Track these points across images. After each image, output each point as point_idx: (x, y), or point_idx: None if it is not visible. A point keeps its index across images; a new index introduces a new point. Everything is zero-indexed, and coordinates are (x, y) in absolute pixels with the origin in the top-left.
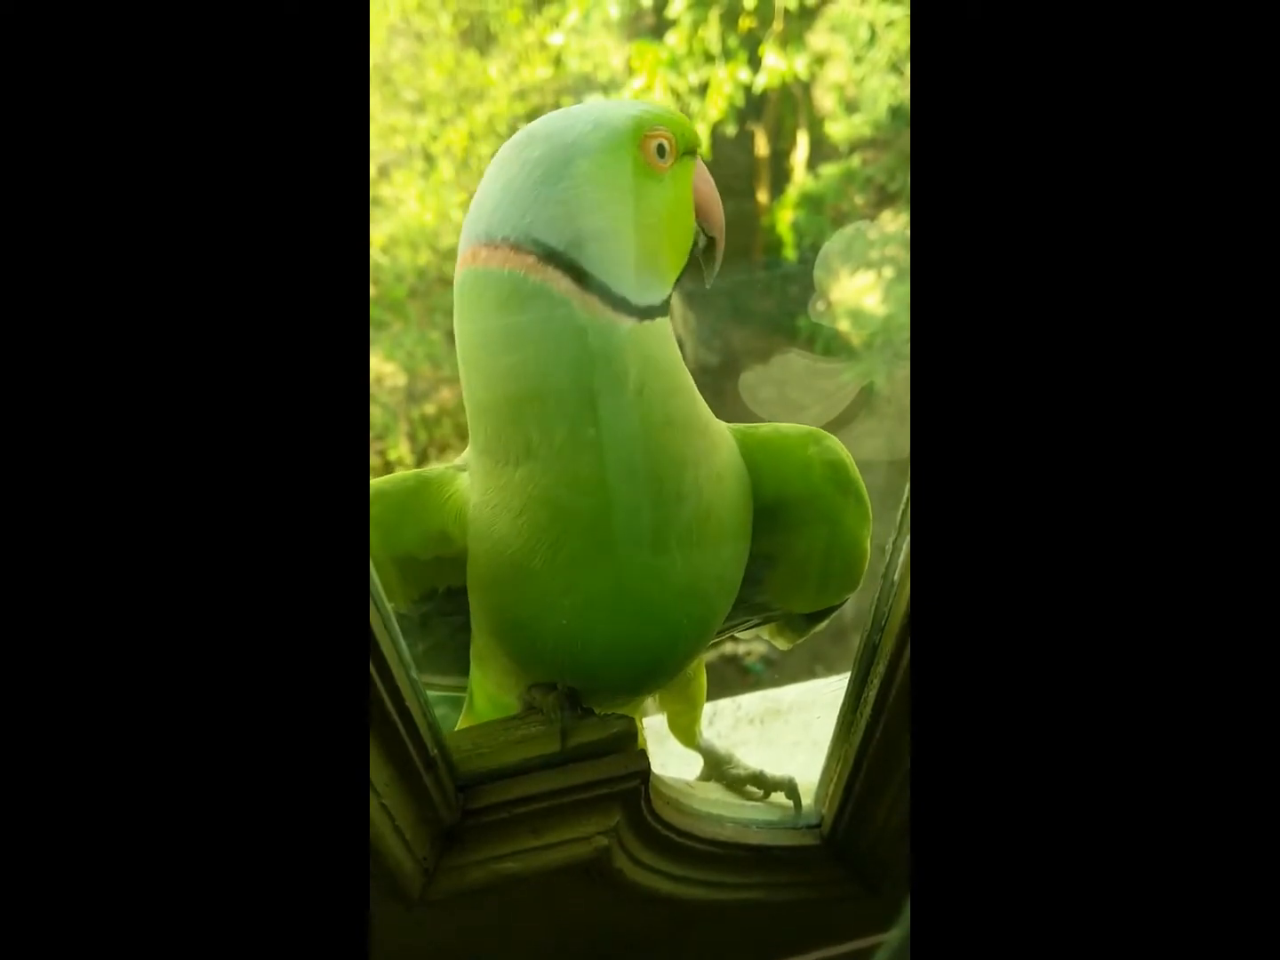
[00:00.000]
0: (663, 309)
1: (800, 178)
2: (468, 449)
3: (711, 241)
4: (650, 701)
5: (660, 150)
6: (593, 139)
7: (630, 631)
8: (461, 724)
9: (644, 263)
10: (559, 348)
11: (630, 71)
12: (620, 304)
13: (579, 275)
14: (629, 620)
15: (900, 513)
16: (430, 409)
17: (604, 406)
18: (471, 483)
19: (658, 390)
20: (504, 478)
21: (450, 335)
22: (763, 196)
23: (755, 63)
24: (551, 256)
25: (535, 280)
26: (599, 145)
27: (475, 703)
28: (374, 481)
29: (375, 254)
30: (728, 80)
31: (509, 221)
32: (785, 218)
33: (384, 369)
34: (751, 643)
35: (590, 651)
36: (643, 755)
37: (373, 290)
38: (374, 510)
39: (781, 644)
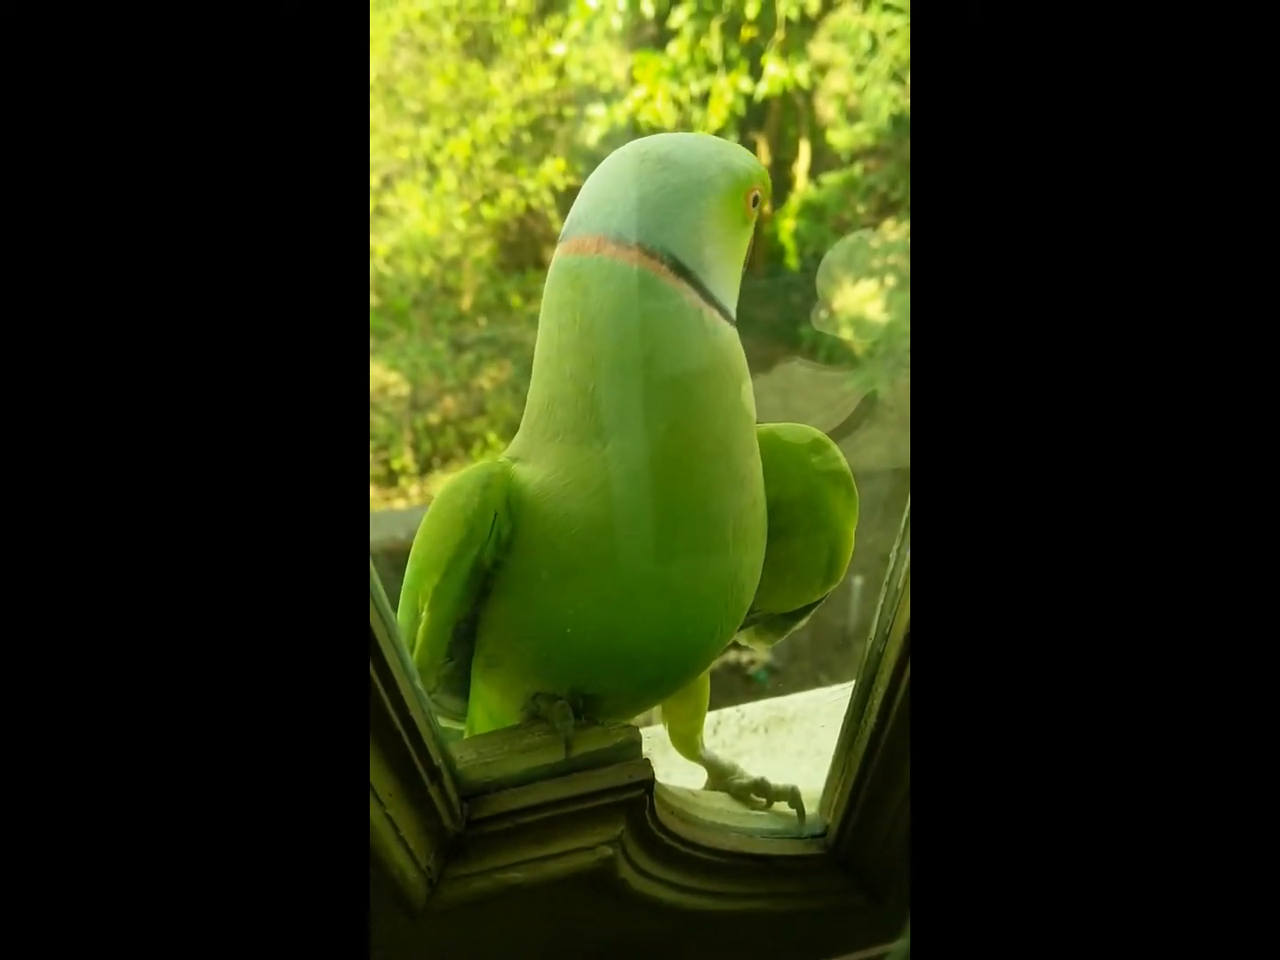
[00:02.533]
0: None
1: (802, 186)
2: (517, 441)
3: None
4: (651, 711)
5: (755, 200)
6: (722, 181)
7: (673, 623)
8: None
9: (732, 285)
10: (689, 343)
11: (633, 81)
12: (725, 314)
13: (703, 290)
14: (676, 609)
15: (904, 520)
16: (434, 418)
17: (714, 395)
18: (533, 469)
19: (748, 384)
20: (585, 455)
21: (453, 344)
22: (765, 205)
23: (757, 72)
24: (680, 269)
25: (666, 284)
26: (725, 188)
27: (474, 718)
28: (471, 470)
29: (379, 264)
30: (729, 89)
31: (644, 229)
32: (787, 226)
33: (388, 378)
34: (755, 651)
35: (629, 644)
36: (647, 764)
37: (376, 300)
38: (482, 497)
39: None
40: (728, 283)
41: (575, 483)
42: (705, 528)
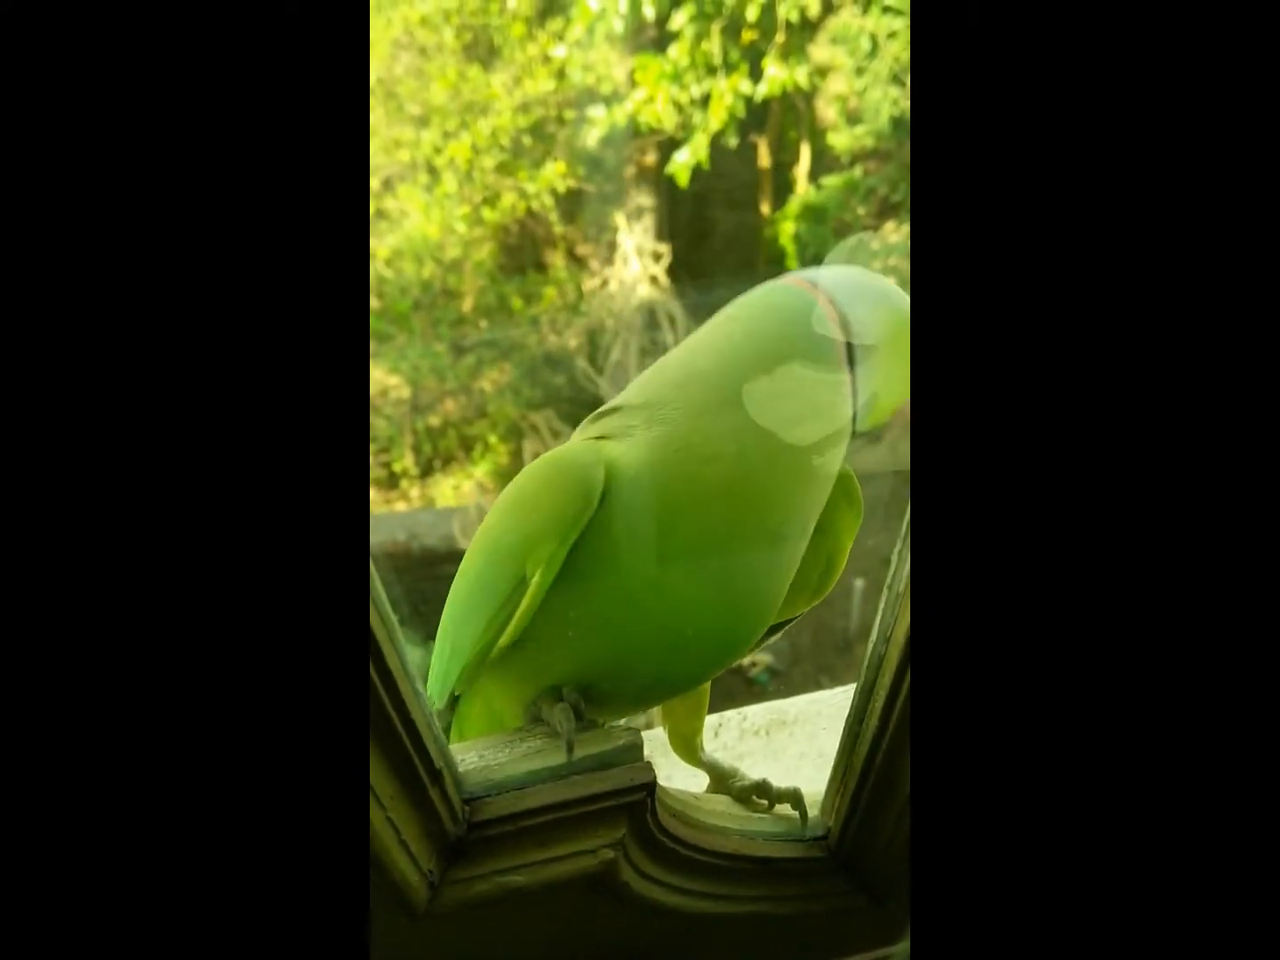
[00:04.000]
0: None
1: (802, 189)
2: (606, 423)
3: None
4: (651, 713)
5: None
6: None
7: (733, 608)
8: (453, 738)
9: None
10: (830, 408)
11: (633, 84)
12: (855, 423)
13: (854, 390)
14: (740, 590)
15: (905, 523)
16: (435, 421)
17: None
18: (626, 447)
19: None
20: (708, 420)
21: (454, 347)
22: (765, 208)
23: (757, 74)
24: (852, 362)
25: (837, 356)
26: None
27: (470, 714)
28: (578, 446)
29: (380, 267)
30: (729, 92)
31: (851, 313)
32: (788, 229)
33: (388, 381)
34: (757, 654)
35: (686, 628)
36: (649, 767)
37: (377, 303)
38: (597, 472)
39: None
40: (862, 415)
41: (697, 445)
42: (787, 517)
